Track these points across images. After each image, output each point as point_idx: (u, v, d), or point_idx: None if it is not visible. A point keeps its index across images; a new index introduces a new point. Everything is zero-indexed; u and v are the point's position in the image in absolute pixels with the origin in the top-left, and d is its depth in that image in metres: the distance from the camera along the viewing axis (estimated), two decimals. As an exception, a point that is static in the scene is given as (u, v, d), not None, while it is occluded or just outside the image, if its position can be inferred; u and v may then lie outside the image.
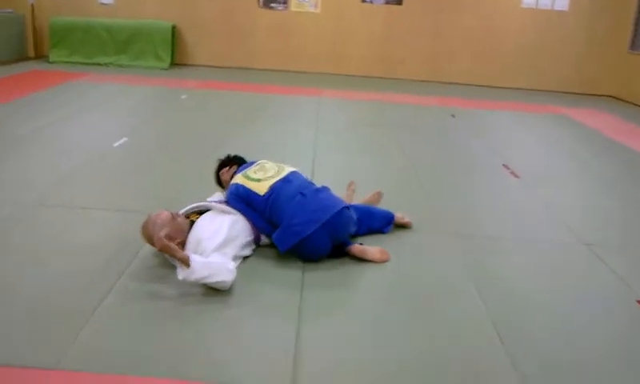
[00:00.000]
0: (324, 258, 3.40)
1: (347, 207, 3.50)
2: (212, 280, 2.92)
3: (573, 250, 3.87)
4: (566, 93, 10.99)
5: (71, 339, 2.54)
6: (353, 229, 3.57)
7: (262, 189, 3.47)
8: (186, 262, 2.88)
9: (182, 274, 2.90)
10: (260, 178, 3.55)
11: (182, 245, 3.16)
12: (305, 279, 3.21)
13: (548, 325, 2.92)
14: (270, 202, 3.40)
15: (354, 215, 3.58)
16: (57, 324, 2.66)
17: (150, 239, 3.17)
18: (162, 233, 3.02)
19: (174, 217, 3.21)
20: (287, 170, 3.65)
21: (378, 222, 3.85)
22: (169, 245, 2.93)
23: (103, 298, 2.89)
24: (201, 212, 3.42)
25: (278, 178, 3.52)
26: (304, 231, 3.28)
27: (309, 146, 5.98)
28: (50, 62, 10.45)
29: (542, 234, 4.08)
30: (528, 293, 3.23)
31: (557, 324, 2.94)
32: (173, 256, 2.95)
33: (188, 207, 3.46)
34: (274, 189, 3.45)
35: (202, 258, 2.96)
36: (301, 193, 3.41)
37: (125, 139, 5.78)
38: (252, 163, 3.81)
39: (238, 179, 3.60)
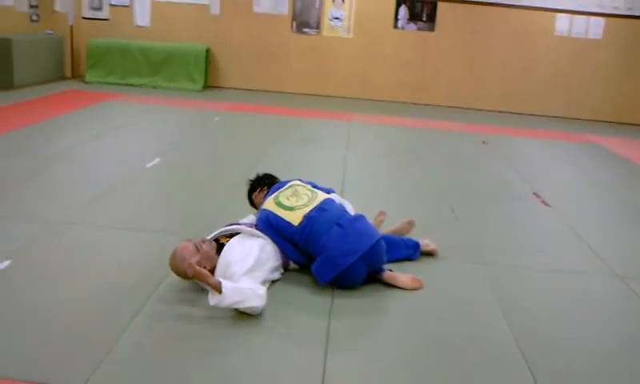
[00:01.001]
0: (358, 285, 3.40)
1: (381, 237, 3.49)
2: (243, 306, 2.94)
3: (604, 282, 3.80)
4: (599, 121, 10.87)
5: (98, 361, 2.57)
6: (385, 258, 3.55)
7: (295, 219, 3.44)
8: (217, 289, 2.90)
9: (213, 300, 2.92)
10: (293, 206, 3.52)
11: (212, 271, 3.17)
12: (334, 306, 3.20)
13: (578, 357, 2.87)
14: (306, 233, 3.39)
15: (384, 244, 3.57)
16: (84, 345, 2.69)
17: (178, 271, 3.18)
18: (193, 260, 3.06)
19: (197, 247, 3.19)
20: (320, 196, 3.62)
21: (405, 250, 3.83)
22: (200, 271, 2.95)
23: (131, 320, 2.92)
24: (231, 235, 3.44)
25: (312, 207, 3.49)
26: (344, 263, 3.27)
27: (338, 170, 5.99)
28: (85, 82, 10.66)
29: (572, 265, 4.03)
30: (558, 326, 3.18)
31: (587, 358, 2.88)
32: (205, 282, 2.96)
33: (218, 231, 3.48)
34: (308, 219, 3.43)
35: (232, 283, 2.98)
36: (337, 223, 3.39)
37: (158, 160, 5.85)
38: (283, 184, 3.80)
39: (270, 205, 3.58)
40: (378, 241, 3.39)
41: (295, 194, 3.64)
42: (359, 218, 3.54)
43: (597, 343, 3.05)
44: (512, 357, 2.84)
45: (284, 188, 3.73)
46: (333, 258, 3.30)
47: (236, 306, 2.95)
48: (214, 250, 3.28)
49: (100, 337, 2.75)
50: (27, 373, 2.45)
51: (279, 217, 3.47)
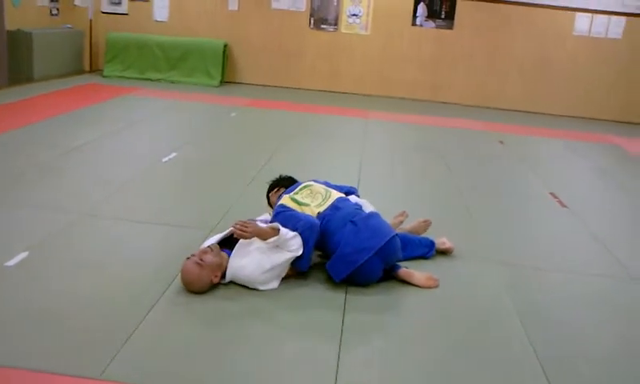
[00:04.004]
0: (374, 282, 3.40)
1: (396, 234, 3.50)
2: (295, 245, 3.23)
3: (621, 284, 3.78)
4: (618, 122, 10.77)
5: (116, 350, 2.59)
6: (400, 255, 3.55)
7: (311, 213, 3.48)
8: (275, 229, 3.21)
9: (276, 242, 3.19)
10: (308, 203, 3.56)
11: (223, 274, 3.21)
12: (347, 302, 3.21)
13: (594, 359, 2.85)
14: (321, 231, 3.39)
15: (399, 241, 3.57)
16: (103, 334, 2.72)
17: (204, 286, 3.16)
18: (207, 276, 3.15)
19: (200, 265, 3.11)
20: (335, 195, 3.65)
21: (420, 249, 3.83)
22: (252, 233, 3.17)
23: (148, 310, 2.94)
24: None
25: (326, 206, 3.53)
26: (358, 260, 3.28)
27: (355, 167, 5.99)
28: (103, 76, 10.73)
29: (589, 267, 4.00)
30: (574, 327, 3.16)
31: (604, 361, 2.87)
32: (263, 236, 3.19)
33: (221, 235, 3.46)
34: (323, 217, 3.45)
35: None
36: (351, 221, 3.40)
37: (174, 154, 5.88)
38: (299, 184, 3.84)
39: (285, 201, 3.61)
40: (392, 237, 3.39)
41: (310, 193, 3.67)
42: (373, 215, 3.55)
43: (614, 346, 3.03)
44: (526, 358, 2.83)
45: (299, 187, 3.76)
46: (347, 255, 3.31)
47: (290, 244, 3.21)
48: (219, 253, 3.23)
49: (118, 326, 2.78)
50: (45, 363, 2.48)
51: (295, 211, 3.49)
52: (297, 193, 3.69)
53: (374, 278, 3.39)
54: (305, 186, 3.77)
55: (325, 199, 3.60)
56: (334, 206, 3.53)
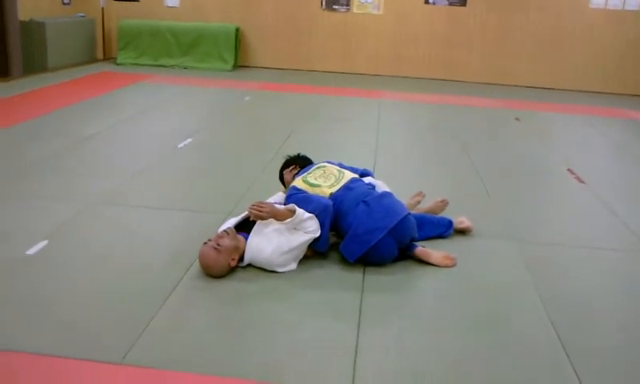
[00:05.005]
0: (389, 261, 3.40)
1: (409, 213, 3.48)
2: (313, 226, 3.25)
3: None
4: (636, 96, 10.61)
5: (137, 335, 2.62)
6: (415, 233, 3.54)
7: (323, 194, 3.48)
8: (291, 210, 3.23)
9: (292, 223, 3.21)
10: (320, 185, 3.56)
11: (241, 257, 3.23)
12: (365, 282, 3.21)
13: (612, 334, 2.84)
14: (334, 212, 3.39)
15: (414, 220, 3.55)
16: (124, 320, 2.74)
17: (223, 270, 3.17)
18: (224, 260, 3.16)
19: (217, 250, 3.12)
20: (347, 176, 3.64)
21: (438, 228, 3.81)
22: (268, 214, 3.20)
23: (168, 295, 2.96)
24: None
25: (338, 186, 3.52)
26: (371, 240, 3.28)
27: (370, 148, 5.97)
28: (117, 64, 10.76)
29: (607, 243, 3.96)
30: (593, 303, 3.15)
31: (622, 335, 2.85)
32: (279, 218, 3.22)
33: (237, 218, 3.47)
34: (335, 198, 3.45)
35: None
36: (363, 201, 3.40)
37: (189, 140, 5.90)
38: (312, 165, 3.83)
39: (298, 183, 3.62)
40: (405, 216, 3.37)
41: (323, 174, 3.67)
42: (386, 194, 3.54)
43: (633, 320, 3.00)
44: (546, 335, 2.82)
45: (313, 168, 3.77)
46: (359, 235, 3.31)
47: (305, 224, 3.23)
48: (235, 237, 3.23)
49: (138, 312, 2.81)
50: (67, 349, 2.51)
51: (307, 193, 3.49)
52: (310, 174, 3.69)
53: (388, 258, 3.39)
54: (318, 167, 3.77)
55: (338, 180, 3.59)
56: (347, 187, 3.53)
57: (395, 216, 3.34)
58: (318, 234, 3.28)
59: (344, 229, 3.40)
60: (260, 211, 3.21)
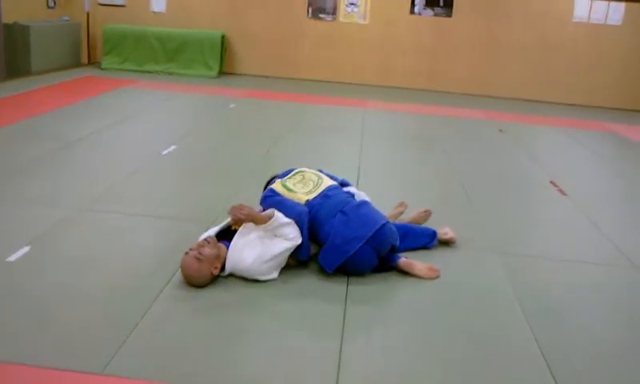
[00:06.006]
0: (369, 271, 3.40)
1: (388, 221, 3.47)
2: (292, 234, 3.24)
3: (622, 272, 3.77)
4: (618, 109, 10.74)
5: (118, 345, 2.59)
6: (396, 242, 3.51)
7: (299, 200, 3.47)
8: (269, 216, 3.23)
9: (270, 225, 3.22)
10: (297, 191, 3.53)
11: (223, 266, 3.22)
12: (349, 293, 3.21)
13: (594, 347, 2.86)
14: (310, 220, 3.37)
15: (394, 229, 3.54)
16: (105, 329, 2.72)
17: (200, 277, 3.13)
18: (207, 269, 3.14)
19: (199, 259, 3.10)
20: (326, 183, 3.62)
21: (421, 239, 3.81)
22: (247, 216, 3.23)
23: (150, 304, 2.94)
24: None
25: (315, 194, 3.50)
26: (349, 250, 3.26)
27: (354, 157, 5.98)
28: (102, 69, 10.70)
29: (589, 256, 3.99)
30: (575, 316, 3.16)
31: (604, 349, 2.87)
32: (256, 221, 3.24)
33: (223, 224, 3.47)
34: (311, 205, 3.42)
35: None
36: (341, 211, 3.38)
37: (173, 147, 5.87)
38: (291, 171, 3.82)
39: (276, 186, 3.61)
40: (382, 226, 3.36)
41: (302, 179, 3.65)
42: (364, 203, 3.52)
43: (614, 334, 3.03)
44: (528, 347, 2.83)
45: (292, 173, 3.75)
46: (337, 245, 3.29)
47: (284, 231, 3.23)
48: (216, 245, 3.21)
49: (120, 321, 2.78)
50: (48, 359, 2.48)
51: (283, 197, 3.48)
52: (289, 178, 3.68)
53: (368, 268, 3.38)
54: (298, 172, 3.75)
55: (316, 186, 3.57)
56: (324, 195, 3.50)
57: (373, 225, 3.33)
58: (299, 241, 3.28)
59: (322, 239, 3.38)
60: (239, 211, 3.22)
